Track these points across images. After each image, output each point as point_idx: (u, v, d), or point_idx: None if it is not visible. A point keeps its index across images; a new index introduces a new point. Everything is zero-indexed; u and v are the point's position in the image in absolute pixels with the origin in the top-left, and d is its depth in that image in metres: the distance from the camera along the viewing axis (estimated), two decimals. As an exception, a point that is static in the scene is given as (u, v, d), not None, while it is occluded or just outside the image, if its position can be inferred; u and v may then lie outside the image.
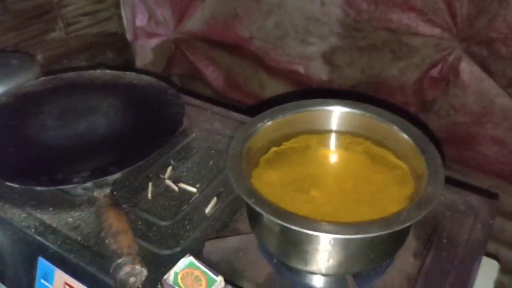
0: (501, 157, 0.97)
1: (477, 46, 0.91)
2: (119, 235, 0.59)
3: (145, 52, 1.50)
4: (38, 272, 0.67)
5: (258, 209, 0.49)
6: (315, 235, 0.49)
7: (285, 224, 0.47)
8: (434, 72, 1.00)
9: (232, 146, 0.59)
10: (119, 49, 1.48)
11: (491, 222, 0.67)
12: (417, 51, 0.99)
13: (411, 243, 0.63)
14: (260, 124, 0.63)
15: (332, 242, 0.50)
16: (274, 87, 1.28)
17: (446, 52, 0.96)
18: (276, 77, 1.26)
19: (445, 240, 0.64)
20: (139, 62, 1.51)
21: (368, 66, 1.08)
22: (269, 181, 0.59)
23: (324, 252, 0.51)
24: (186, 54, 1.42)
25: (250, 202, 0.50)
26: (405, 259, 0.61)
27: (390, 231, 0.47)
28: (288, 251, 0.55)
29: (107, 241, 0.59)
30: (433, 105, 1.03)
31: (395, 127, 0.62)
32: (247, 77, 1.32)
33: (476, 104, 0.96)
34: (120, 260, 0.56)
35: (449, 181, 0.74)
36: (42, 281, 0.67)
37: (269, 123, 0.63)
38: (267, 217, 0.49)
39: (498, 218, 0.73)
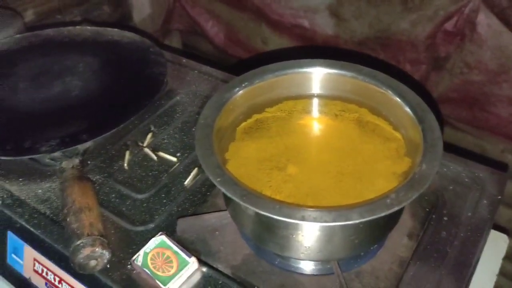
0: (517, 119, 0.90)
1: (497, -5, 0.82)
2: (82, 213, 0.54)
3: (142, 5, 1.44)
4: (9, 247, 0.63)
5: (224, 190, 0.43)
6: (289, 222, 0.43)
7: (253, 208, 0.41)
8: (449, 25, 0.93)
9: (202, 114, 0.52)
10: (115, 3, 1.41)
11: (499, 197, 0.60)
12: (430, 1, 0.92)
13: (406, 222, 0.57)
14: (237, 89, 0.55)
15: (309, 228, 0.44)
16: (277, 43, 1.22)
17: (463, 2, 0.88)
18: (279, 32, 1.19)
19: (445, 218, 0.58)
20: (137, 17, 1.45)
21: (376, 19, 1.01)
22: (246, 156, 0.52)
23: (302, 238, 0.45)
24: (185, 7, 1.36)
25: (216, 182, 0.44)
26: (398, 241, 0.55)
27: (374, 217, 0.40)
28: (263, 235, 0.49)
29: (68, 219, 0.54)
30: (446, 62, 0.97)
31: (390, 91, 0.54)
32: (249, 32, 1.26)
33: (492, 61, 0.89)
34: (78, 242, 0.51)
35: (453, 149, 0.67)
36: (13, 256, 0.63)
37: (248, 87, 0.56)
38: (235, 199, 0.42)
39: (510, 183, 0.66)
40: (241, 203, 0.42)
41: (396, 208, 0.41)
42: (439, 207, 0.59)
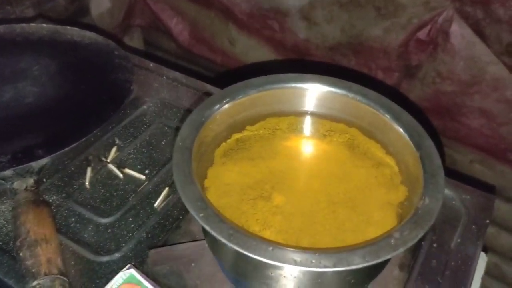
0: (487, 130, 0.91)
1: (471, 6, 0.82)
2: (38, 246, 0.47)
3: (101, -2, 1.36)
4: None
5: (208, 228, 0.38)
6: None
7: (243, 251, 0.36)
8: (422, 34, 0.91)
9: (180, 135, 0.46)
10: (71, -5, 1.31)
11: (487, 222, 0.57)
12: (404, 9, 0.90)
13: (396, 251, 0.54)
14: (217, 106, 0.50)
15: (302, 271, 0.40)
16: (245, 44, 1.17)
17: (436, 11, 0.86)
18: (248, 33, 1.15)
19: (435, 245, 0.55)
20: (95, 11, 1.36)
21: (349, 24, 0.98)
22: (227, 183, 0.47)
23: (293, 280, 0.41)
24: (148, 3, 1.30)
25: (199, 218, 0.39)
26: (389, 272, 0.52)
27: (379, 261, 0.36)
28: (249, 274, 0.44)
29: (21, 254, 0.47)
30: (418, 71, 0.96)
31: (385, 113, 0.50)
32: (215, 31, 1.21)
33: (465, 72, 0.89)
34: (35, 283, 0.44)
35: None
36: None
37: (229, 104, 0.51)
38: (221, 240, 0.37)
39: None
40: (229, 244, 0.37)
41: (401, 250, 0.37)
42: (428, 234, 0.56)
